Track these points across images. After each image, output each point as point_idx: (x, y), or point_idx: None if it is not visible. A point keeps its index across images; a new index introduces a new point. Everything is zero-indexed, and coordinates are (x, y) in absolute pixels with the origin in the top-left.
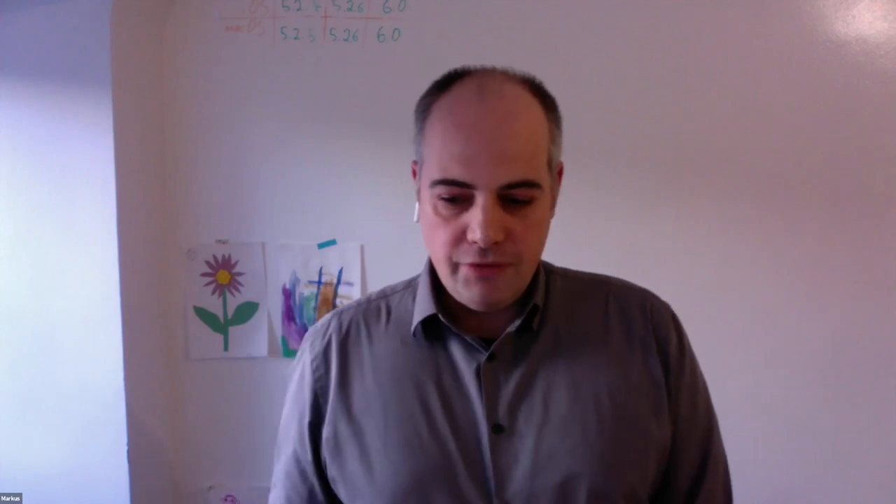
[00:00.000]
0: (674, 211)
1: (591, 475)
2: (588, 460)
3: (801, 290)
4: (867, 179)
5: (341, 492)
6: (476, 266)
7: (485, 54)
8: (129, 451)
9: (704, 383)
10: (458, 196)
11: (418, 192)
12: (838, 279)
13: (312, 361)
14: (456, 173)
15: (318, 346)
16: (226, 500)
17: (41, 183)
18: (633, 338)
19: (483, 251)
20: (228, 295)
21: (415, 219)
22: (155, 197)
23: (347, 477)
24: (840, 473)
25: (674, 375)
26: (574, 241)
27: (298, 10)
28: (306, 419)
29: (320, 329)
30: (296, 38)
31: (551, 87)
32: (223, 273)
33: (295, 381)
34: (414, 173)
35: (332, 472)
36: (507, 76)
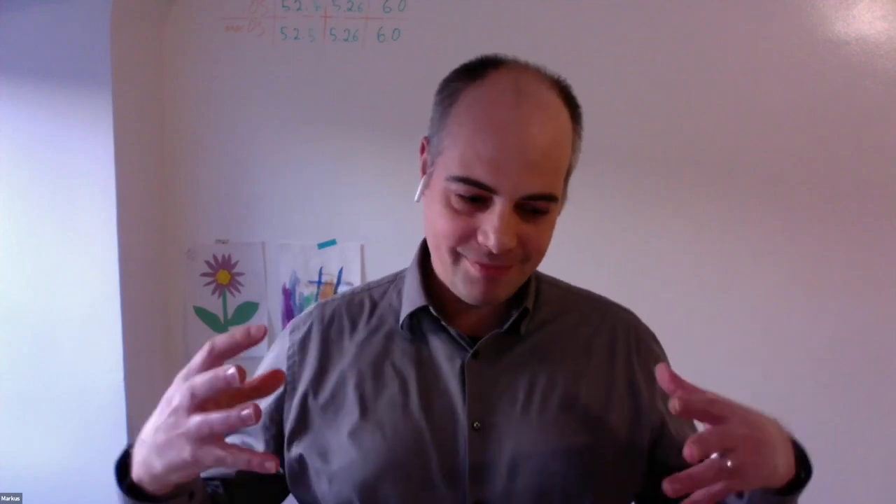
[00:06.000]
0: (674, 211)
1: (568, 479)
2: (565, 465)
3: (801, 290)
4: (867, 179)
5: (311, 476)
6: (482, 265)
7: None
8: None
9: None
10: (475, 196)
11: (429, 172)
12: (838, 279)
13: (289, 349)
14: (479, 174)
15: (297, 336)
16: None
17: (41, 183)
18: (616, 354)
19: (492, 255)
20: (228, 295)
21: (416, 198)
22: (155, 197)
23: (324, 459)
24: (840, 473)
25: (656, 384)
26: (574, 242)
27: (298, 10)
28: (268, 406)
29: (303, 318)
30: (296, 38)
31: None
32: (223, 273)
33: (268, 362)
34: (423, 149)
35: (305, 460)
36: (541, 76)
